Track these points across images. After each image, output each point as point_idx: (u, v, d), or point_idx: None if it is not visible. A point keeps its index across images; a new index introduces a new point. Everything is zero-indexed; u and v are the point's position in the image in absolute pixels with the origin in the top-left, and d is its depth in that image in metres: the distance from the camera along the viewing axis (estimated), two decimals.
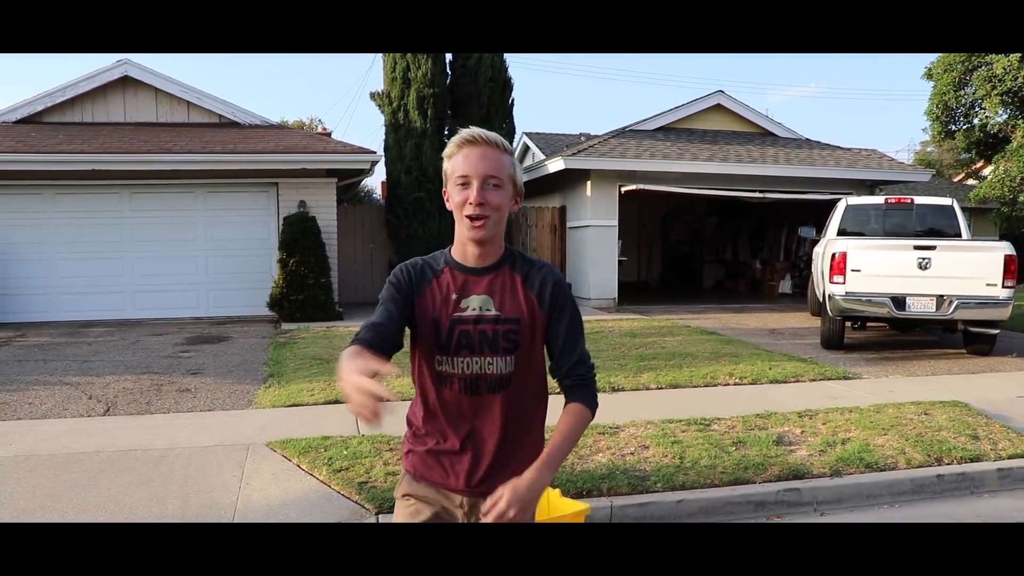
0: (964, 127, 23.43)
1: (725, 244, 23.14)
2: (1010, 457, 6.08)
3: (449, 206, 2.35)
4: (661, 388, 8.44)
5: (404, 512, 2.45)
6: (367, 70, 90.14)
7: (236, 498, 5.34)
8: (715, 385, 8.60)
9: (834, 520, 5.17)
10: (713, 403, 7.57)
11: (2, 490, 5.46)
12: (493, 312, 2.33)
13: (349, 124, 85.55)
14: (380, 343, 2.22)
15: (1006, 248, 9.98)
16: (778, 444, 6.17)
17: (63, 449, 6.35)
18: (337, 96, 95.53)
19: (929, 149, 41.58)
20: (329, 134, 25.88)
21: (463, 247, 2.36)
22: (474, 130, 2.31)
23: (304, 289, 13.75)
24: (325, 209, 14.74)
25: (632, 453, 5.90)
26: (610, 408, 7.12)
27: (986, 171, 24.94)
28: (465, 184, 2.26)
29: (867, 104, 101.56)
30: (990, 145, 23.41)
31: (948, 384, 8.78)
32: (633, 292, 19.74)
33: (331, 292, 14.17)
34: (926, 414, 7.09)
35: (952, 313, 10.00)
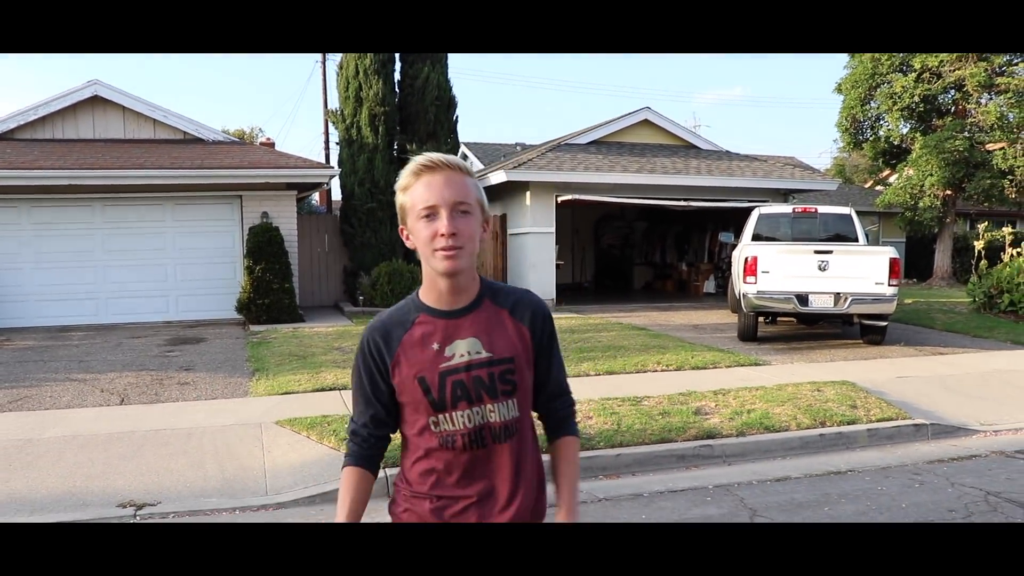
0: (871, 138, 25.42)
1: (654, 248, 24.73)
2: (879, 421, 7.65)
3: (411, 244, 2.15)
4: (599, 375, 9.86)
5: None
6: (306, 80, 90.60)
7: (263, 463, 6.61)
8: (645, 371, 10.05)
9: (739, 470, 6.63)
10: (643, 385, 9.02)
11: (67, 461, 6.66)
12: (484, 354, 2.13)
13: (288, 133, 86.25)
14: (372, 454, 2.22)
15: (891, 252, 11.66)
16: (696, 414, 7.64)
17: (102, 430, 7.53)
18: (276, 106, 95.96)
19: (846, 155, 44.00)
20: (272, 144, 27.00)
21: (435, 288, 2.14)
22: (431, 155, 2.12)
23: (270, 294, 14.90)
24: (286, 219, 15.91)
25: (579, 422, 7.31)
26: None
27: (892, 179, 27.02)
28: (431, 215, 2.04)
29: (792, 108, 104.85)
30: (894, 154, 25.43)
31: (842, 368, 10.37)
32: (569, 293, 21.25)
33: (294, 296, 15.35)
34: (818, 390, 8.64)
35: (847, 308, 11.64)
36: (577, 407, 7.04)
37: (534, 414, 2.28)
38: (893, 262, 11.49)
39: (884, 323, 12.10)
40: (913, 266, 28.29)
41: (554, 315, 13.17)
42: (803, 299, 11.71)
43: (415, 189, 2.07)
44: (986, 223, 22.74)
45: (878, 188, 29.57)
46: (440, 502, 2.16)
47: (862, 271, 11.56)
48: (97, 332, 14.59)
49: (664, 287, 23.72)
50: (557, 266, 18.75)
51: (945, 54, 21.60)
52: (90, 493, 5.98)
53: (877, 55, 22.91)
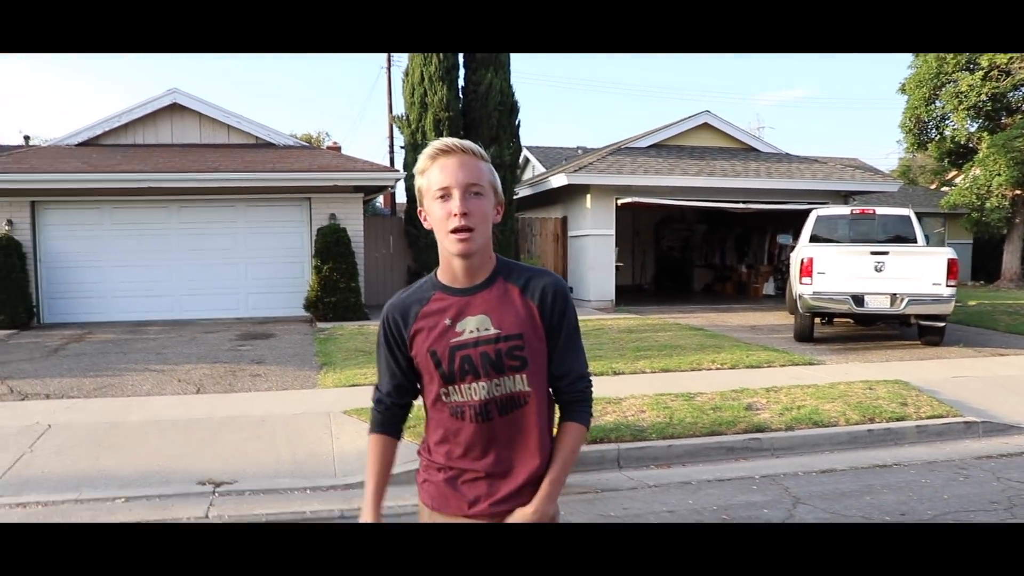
0: (936, 138, 25.13)
1: (713, 250, 24.80)
2: (928, 418, 7.77)
3: (428, 225, 2.27)
4: (655, 372, 10.10)
5: None
6: (372, 85, 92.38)
7: (331, 448, 7.02)
8: (700, 370, 10.26)
9: (786, 462, 6.83)
10: (697, 382, 9.24)
11: (150, 443, 7.14)
12: (492, 331, 2.22)
13: (354, 138, 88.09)
14: (394, 421, 2.40)
15: (949, 253, 11.68)
16: (747, 409, 7.85)
17: (181, 416, 8.02)
18: (343, 111, 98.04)
19: (912, 155, 43.36)
20: (339, 148, 27.61)
21: (450, 266, 2.26)
22: (446, 139, 2.21)
23: (336, 292, 15.41)
24: (353, 221, 16.41)
25: (633, 415, 7.58)
26: (613, 386, 8.85)
27: (959, 179, 26.68)
28: (445, 196, 2.16)
29: (856, 109, 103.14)
30: (961, 154, 25.10)
31: (897, 368, 10.45)
32: (629, 294, 21.45)
33: (360, 295, 15.83)
34: (870, 389, 8.77)
35: (904, 308, 11.70)
36: (632, 401, 7.26)
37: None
38: (951, 263, 11.52)
39: (942, 324, 12.11)
40: (982, 268, 27.87)
41: (613, 316, 13.40)
42: (859, 300, 11.80)
43: (431, 172, 2.19)
44: None
45: (943, 189, 29.18)
46: (452, 472, 2.29)
47: (919, 272, 11.60)
48: (172, 327, 15.24)
49: (724, 289, 23.78)
50: (617, 268, 18.99)
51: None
52: (172, 472, 6.43)
53: (943, 54, 22.68)
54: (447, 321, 2.23)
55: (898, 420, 7.68)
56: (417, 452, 2.43)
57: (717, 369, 10.30)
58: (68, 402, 8.68)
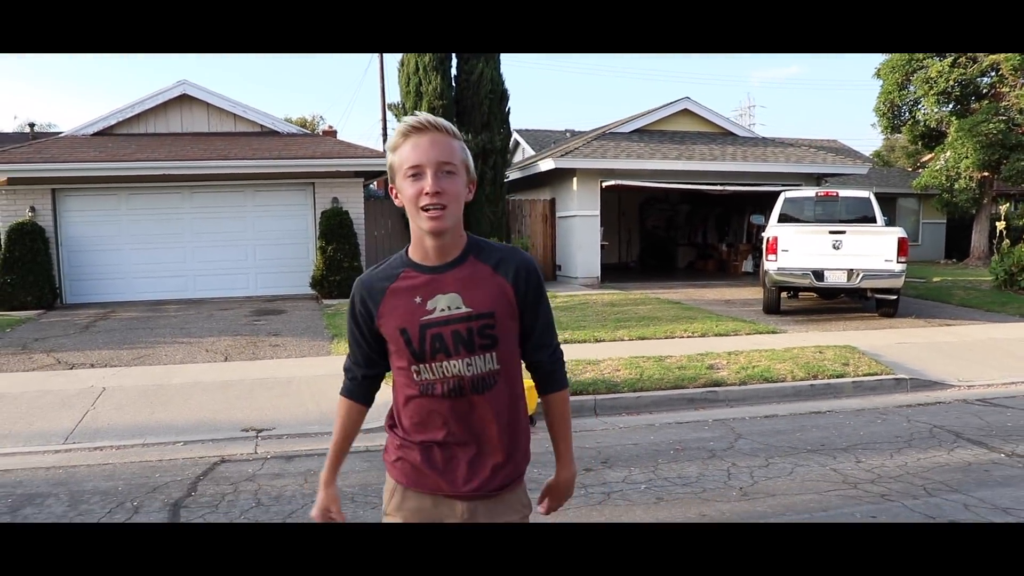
0: (909, 122, 26.31)
1: (696, 229, 25.98)
2: (864, 375, 9.01)
3: (399, 203, 2.25)
4: (632, 340, 11.29)
5: None
6: (364, 70, 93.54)
7: None
8: (673, 337, 11.45)
9: (738, 411, 8.03)
10: (669, 348, 10.44)
11: (194, 400, 8.32)
12: (463, 309, 2.22)
13: (346, 121, 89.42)
14: (363, 389, 2.44)
15: (899, 232, 12.89)
16: (709, 368, 9.07)
17: (216, 379, 9.20)
18: (334, 93, 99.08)
19: (898, 136, 44.52)
20: (335, 132, 28.73)
21: (421, 245, 2.25)
22: (420, 116, 2.19)
23: (340, 271, 16.56)
24: (354, 204, 17.55)
25: (609, 373, 8.79)
26: (593, 351, 10.07)
27: (931, 161, 27.88)
28: (417, 175, 2.14)
29: (849, 88, 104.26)
30: (933, 138, 26.27)
31: (850, 336, 11.66)
32: (615, 272, 22.65)
33: (361, 273, 16.93)
34: (820, 352, 9.99)
35: (859, 283, 12.91)
36: (609, 363, 8.49)
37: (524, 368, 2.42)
38: (901, 241, 12.72)
39: (894, 297, 13.32)
40: (956, 247, 29.12)
41: (598, 292, 14.81)
42: (819, 275, 13.00)
43: (403, 149, 2.16)
44: (1008, 204, 23.50)
45: (919, 171, 30.38)
46: (428, 449, 2.29)
47: (873, 249, 12.80)
48: (188, 305, 16.38)
49: (705, 267, 24.96)
50: (602, 246, 20.15)
51: None
52: (218, 422, 7.61)
53: None
54: (417, 299, 2.23)
55: (838, 377, 8.91)
56: (386, 427, 2.41)
57: (688, 337, 11.50)
58: (113, 370, 9.84)
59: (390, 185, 2.26)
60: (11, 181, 16.49)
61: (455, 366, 2.22)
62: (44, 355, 10.84)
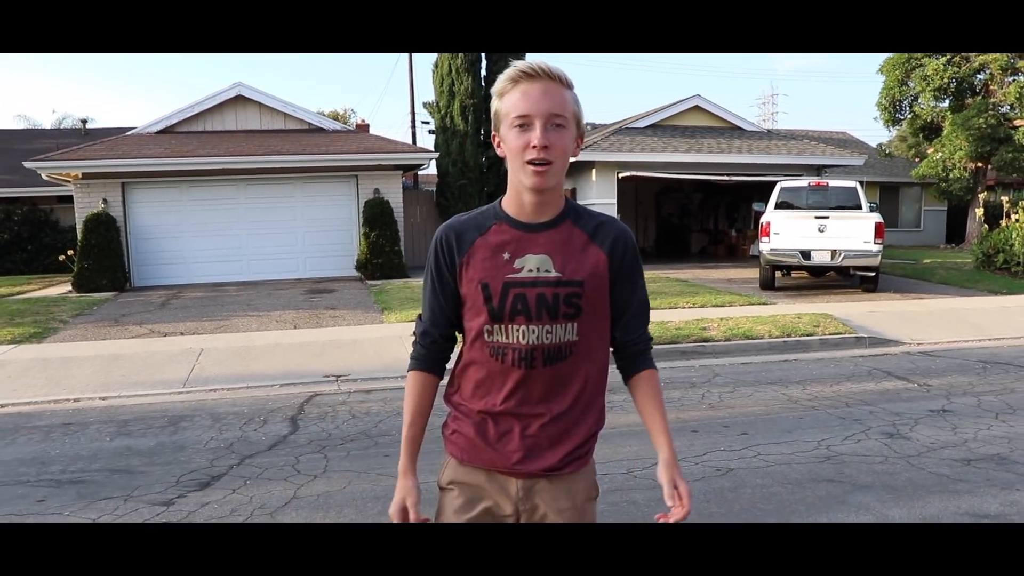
0: (909, 116, 27.92)
1: (708, 216, 27.74)
2: (831, 334, 10.83)
3: (501, 152, 2.10)
4: None
5: (450, 506, 2.23)
6: (393, 66, 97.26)
7: (406, 355, 10.10)
8: (675, 308, 13.27)
9: (721, 360, 9.85)
10: (671, 316, 12.27)
11: (278, 357, 10.24)
12: (553, 273, 2.07)
13: (376, 114, 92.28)
14: (439, 356, 2.26)
15: (876, 217, 14.64)
16: (701, 329, 10.91)
17: (293, 341, 11.13)
18: (366, 86, 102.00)
19: (898, 128, 45.88)
20: (367, 126, 30.64)
21: (518, 198, 2.10)
22: (532, 62, 2.01)
23: (382, 255, 18.52)
24: (394, 194, 19.50)
25: None
26: None
27: (930, 153, 29.48)
28: (525, 125, 1.99)
29: (866, 78, 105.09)
30: (932, 130, 27.85)
31: (830, 306, 13.42)
32: None
33: (401, 256, 18.94)
34: (798, 317, 11.79)
35: (841, 262, 14.69)
36: None
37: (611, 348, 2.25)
38: (878, 226, 14.47)
39: (873, 274, 15.08)
40: (956, 232, 30.70)
41: None
42: (806, 254, 14.79)
43: (511, 96, 2.02)
44: (985, 194, 25.14)
45: (919, 161, 31.97)
46: (486, 421, 2.16)
47: (853, 232, 14.57)
48: (246, 286, 18.37)
49: (716, 251, 26.71)
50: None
51: None
52: (303, 372, 9.52)
53: None
54: (506, 255, 2.09)
55: (808, 336, 10.75)
56: (444, 398, 2.30)
57: (688, 308, 13.32)
58: (201, 336, 11.79)
59: (492, 133, 2.13)
60: (85, 176, 18.54)
61: (533, 332, 2.08)
62: (137, 327, 12.80)
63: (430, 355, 2.26)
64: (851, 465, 5.60)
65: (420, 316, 2.29)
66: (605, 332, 2.20)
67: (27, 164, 18.14)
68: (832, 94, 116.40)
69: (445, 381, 2.32)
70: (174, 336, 11.88)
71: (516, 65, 2.04)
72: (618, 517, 4.73)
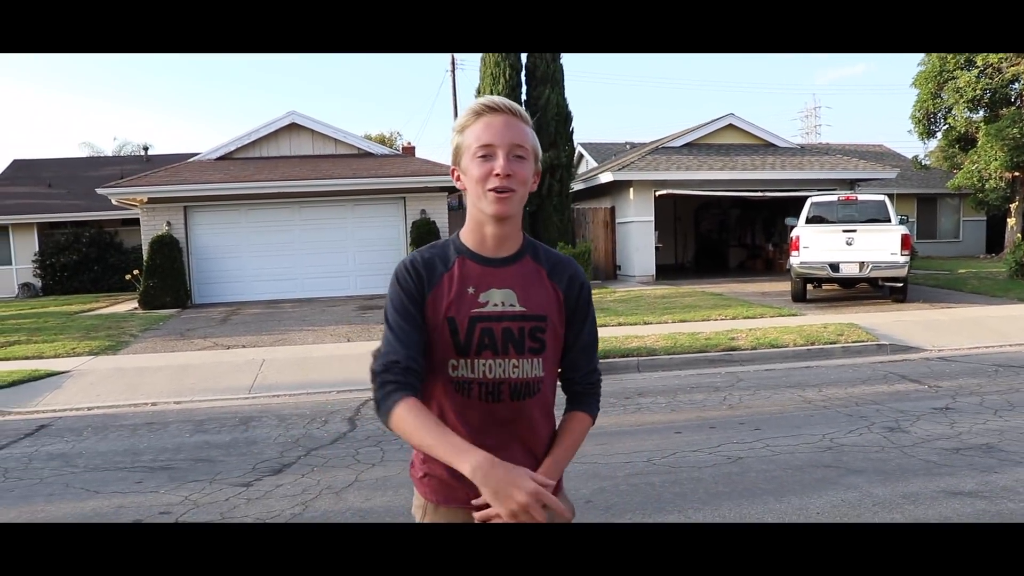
0: (944, 128, 28.27)
1: (745, 231, 28.27)
2: (853, 342, 11.41)
3: (460, 185, 2.13)
4: (674, 322, 13.80)
5: None
6: (436, 91, 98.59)
7: None
8: (708, 320, 13.92)
9: (746, 367, 10.49)
10: (703, 327, 12.93)
11: (334, 367, 11.08)
12: (518, 308, 2.10)
13: (422, 137, 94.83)
14: (414, 382, 2.03)
15: (902, 230, 15.17)
16: (730, 339, 11.56)
17: (348, 353, 11.97)
18: (411, 109, 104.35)
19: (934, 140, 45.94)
20: (413, 149, 31.63)
21: (479, 232, 2.13)
22: (493, 97, 2.10)
23: None
24: (439, 215, 20.40)
25: (650, 343, 11.35)
26: (641, 330, 12.63)
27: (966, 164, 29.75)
28: (488, 155, 2.03)
29: (909, 88, 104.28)
30: (968, 141, 28.15)
31: (857, 316, 13.97)
32: (670, 271, 25.12)
33: None
34: (824, 327, 12.39)
35: (869, 273, 15.23)
36: (652, 337, 11.14)
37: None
38: (904, 237, 15.00)
39: (901, 284, 15.59)
40: (995, 243, 30.91)
41: (652, 287, 17.81)
42: (835, 267, 15.36)
43: (473, 128, 2.06)
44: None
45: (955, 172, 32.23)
46: None
47: (880, 244, 15.11)
48: (301, 303, 19.34)
49: (754, 265, 27.22)
50: (657, 248, 22.66)
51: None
52: (358, 380, 10.29)
53: (943, 54, 25.91)
54: (470, 289, 2.09)
55: (831, 344, 11.35)
56: None
57: (720, 320, 13.96)
58: (262, 349, 12.69)
59: (451, 167, 2.17)
60: (150, 200, 19.69)
61: (500, 366, 2.08)
62: (202, 340, 13.76)
63: (406, 380, 2.01)
64: (849, 454, 6.27)
65: (377, 352, 2.11)
66: (557, 367, 2.23)
67: (99, 191, 19.38)
68: (873, 105, 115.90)
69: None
70: (236, 348, 12.79)
71: (478, 100, 2.11)
72: (636, 495, 5.46)
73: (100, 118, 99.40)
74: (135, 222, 22.52)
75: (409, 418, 1.94)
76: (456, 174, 2.15)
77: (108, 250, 26.60)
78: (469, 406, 2.09)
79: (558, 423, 2.27)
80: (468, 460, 1.84)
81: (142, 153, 35.26)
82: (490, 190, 2.03)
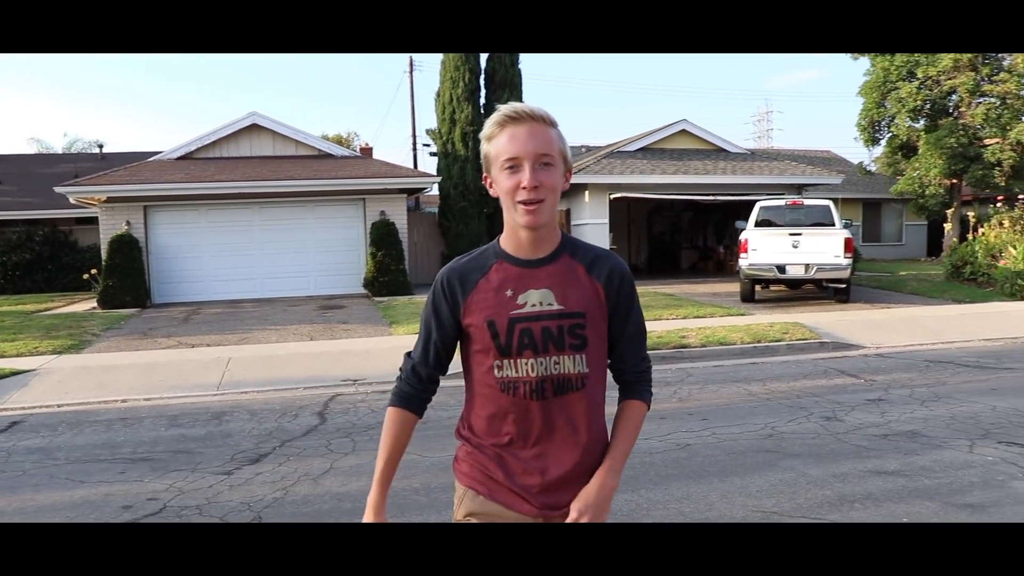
0: (888, 136, 29.26)
1: (697, 233, 28.97)
2: (797, 340, 12.01)
3: (494, 192, 2.19)
4: None
5: None
6: (394, 93, 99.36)
7: None
8: (659, 320, 14.44)
9: (696, 364, 11.01)
10: (655, 326, 13.42)
11: (300, 364, 11.42)
12: (556, 306, 2.14)
13: (379, 137, 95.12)
14: (423, 396, 2.30)
15: (845, 233, 15.87)
16: (681, 337, 12.09)
17: (311, 351, 12.31)
18: (368, 110, 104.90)
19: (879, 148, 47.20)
20: (371, 150, 31.92)
21: (515, 236, 2.18)
22: (516, 105, 2.12)
23: (388, 273, 19.75)
24: (399, 216, 20.76)
25: None
26: None
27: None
28: (514, 167, 2.08)
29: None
30: (910, 149, 29.14)
31: (802, 316, 14.60)
32: None
33: (406, 275, 20.16)
34: (771, 326, 12.97)
35: (814, 275, 15.92)
36: None
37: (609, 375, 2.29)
38: (847, 241, 15.70)
39: (844, 285, 16.30)
40: (936, 246, 31.99)
41: None
42: (781, 268, 16.01)
43: (499, 139, 2.11)
44: (953, 210, 26.55)
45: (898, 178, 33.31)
46: (503, 458, 2.22)
47: (824, 247, 15.79)
48: (261, 303, 19.58)
49: (706, 267, 27.92)
50: (611, 250, 23.16)
51: (942, 64, 25.53)
52: (323, 376, 10.69)
53: (887, 65, 26.86)
54: (508, 292, 2.16)
55: (776, 341, 11.94)
56: (456, 433, 2.36)
57: (672, 319, 14.51)
58: (227, 347, 12.97)
59: (484, 174, 2.21)
60: (110, 199, 19.79)
61: (542, 364, 2.14)
62: (166, 339, 13.98)
63: (415, 394, 2.30)
64: (788, 440, 6.80)
65: (409, 353, 2.35)
66: (605, 360, 2.27)
67: (58, 189, 19.44)
68: (823, 111, 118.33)
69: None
70: (201, 347, 13.05)
71: (500, 109, 2.13)
72: (635, 470, 5.91)
73: (49, 114, 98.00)
74: (90, 221, 22.55)
75: (386, 427, 2.30)
76: (488, 181, 2.20)
77: (62, 249, 26.42)
78: (517, 404, 2.17)
79: (615, 413, 2.33)
80: (367, 506, 2.26)
81: (97, 151, 35.08)
82: (519, 202, 2.09)
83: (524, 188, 2.06)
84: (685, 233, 29.69)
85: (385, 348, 12.35)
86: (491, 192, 2.20)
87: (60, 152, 44.13)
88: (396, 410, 2.30)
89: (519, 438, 2.19)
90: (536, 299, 2.15)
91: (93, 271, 20.05)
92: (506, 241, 2.21)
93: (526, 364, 2.14)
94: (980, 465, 5.99)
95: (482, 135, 2.17)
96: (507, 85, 22.27)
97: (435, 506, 5.39)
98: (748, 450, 6.54)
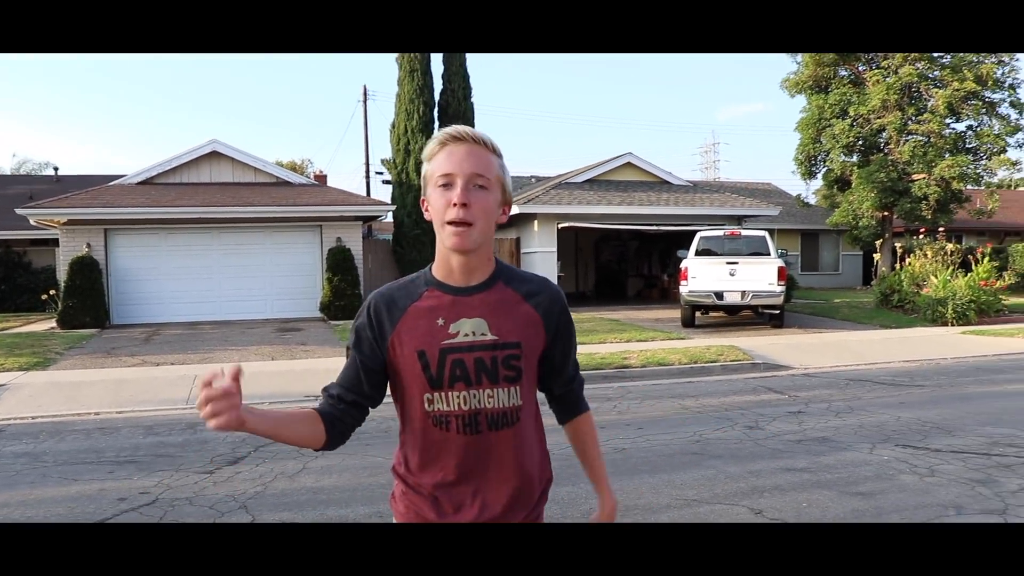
0: (823, 170, 30.70)
1: (643, 262, 30.05)
2: (731, 361, 12.93)
3: (428, 216, 2.08)
4: None
5: None
6: (348, 121, 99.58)
7: None
8: (604, 343, 15.31)
9: (636, 383, 11.85)
10: (600, 349, 14.29)
11: (264, 382, 12.04)
12: (489, 336, 2.06)
13: (333, 165, 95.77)
14: (338, 415, 2.12)
15: (779, 262, 16.92)
16: (623, 359, 12.94)
17: (275, 370, 12.93)
18: (323, 138, 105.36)
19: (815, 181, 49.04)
20: (325, 177, 32.57)
21: (447, 263, 2.07)
22: (460, 127, 2.04)
23: (344, 297, 20.39)
24: (354, 242, 21.45)
25: None
26: None
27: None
28: (447, 185, 1.98)
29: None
30: (844, 183, 30.57)
31: (738, 340, 15.57)
32: (571, 300, 26.58)
33: (361, 299, 20.77)
34: (707, 348, 13.89)
35: (750, 301, 16.92)
36: None
37: (543, 404, 2.28)
38: (780, 269, 16.74)
39: (778, 311, 17.35)
40: (870, 275, 33.42)
41: None
42: (719, 295, 17.00)
43: (438, 158, 2.02)
44: (882, 241, 28.06)
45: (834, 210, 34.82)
46: (437, 499, 2.13)
47: (759, 275, 16.82)
48: (220, 325, 20.08)
49: (651, 294, 28.92)
50: (560, 277, 24.09)
51: (872, 103, 27.05)
52: (287, 392, 11.33)
53: (822, 103, 28.31)
54: (439, 320, 2.06)
55: (712, 362, 12.84)
56: (392, 470, 2.25)
57: (616, 343, 15.38)
58: (190, 366, 13.52)
59: (422, 197, 2.10)
60: (70, 222, 20.20)
61: (475, 397, 2.05)
62: (129, 357, 14.49)
63: (335, 413, 2.12)
64: (713, 445, 7.65)
65: (327, 387, 2.21)
66: (535, 389, 2.21)
67: (19, 211, 19.81)
68: (768, 143, 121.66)
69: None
70: (166, 365, 13.59)
71: (444, 130, 2.05)
72: (575, 468, 6.68)
73: None
74: (46, 242, 22.91)
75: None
76: (425, 204, 2.09)
77: (16, 270, 26.57)
78: (449, 440, 2.08)
79: (572, 431, 2.37)
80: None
81: (52, 173, 35.23)
82: (448, 223, 1.98)
83: (453, 205, 1.96)
84: (631, 262, 30.73)
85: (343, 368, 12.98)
86: (426, 215, 2.10)
87: (9, 173, 44.01)
88: (309, 410, 2.13)
89: (453, 474, 2.10)
90: (469, 328, 2.06)
91: (52, 292, 20.40)
92: (438, 268, 2.11)
93: (457, 397, 2.06)
94: (876, 463, 6.89)
95: (423, 155, 2.12)
96: (460, 117, 23.17)
97: None
98: (677, 453, 7.37)
